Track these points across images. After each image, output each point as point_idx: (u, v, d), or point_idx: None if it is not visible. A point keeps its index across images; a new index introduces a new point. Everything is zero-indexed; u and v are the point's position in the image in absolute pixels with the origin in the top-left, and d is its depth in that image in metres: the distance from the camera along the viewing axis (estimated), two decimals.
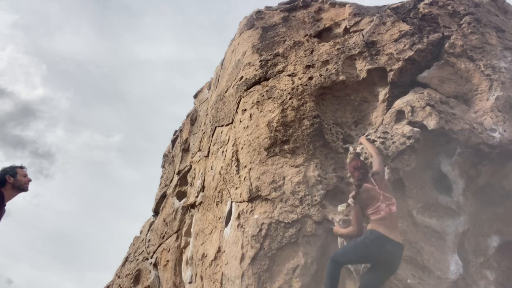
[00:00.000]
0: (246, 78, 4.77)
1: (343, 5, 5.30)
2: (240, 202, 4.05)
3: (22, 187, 3.78)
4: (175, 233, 5.68)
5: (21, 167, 3.85)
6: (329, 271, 3.33)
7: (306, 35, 5.01)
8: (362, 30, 4.77)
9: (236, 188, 4.17)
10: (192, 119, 6.63)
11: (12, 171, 3.80)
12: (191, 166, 6.00)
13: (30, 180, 3.84)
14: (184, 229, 5.52)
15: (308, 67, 4.59)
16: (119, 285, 6.67)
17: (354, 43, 4.64)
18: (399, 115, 4.10)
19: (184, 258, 5.41)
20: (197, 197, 5.29)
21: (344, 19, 5.05)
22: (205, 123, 5.93)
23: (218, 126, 5.10)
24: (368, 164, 3.86)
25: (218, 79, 6.04)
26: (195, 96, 7.25)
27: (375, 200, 3.38)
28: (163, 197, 6.67)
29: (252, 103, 4.47)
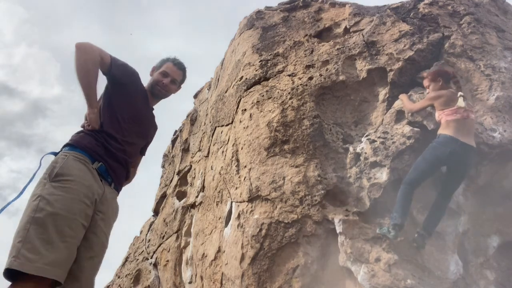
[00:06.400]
0: (246, 78, 4.77)
1: (343, 5, 5.30)
2: (240, 202, 4.05)
3: (153, 91, 2.81)
4: (175, 233, 5.68)
5: (170, 60, 2.86)
6: (401, 193, 3.50)
7: (306, 35, 5.01)
8: (362, 30, 4.77)
9: (236, 188, 4.17)
10: (192, 119, 6.63)
11: (159, 63, 2.87)
12: (191, 166, 6.00)
13: (166, 85, 2.79)
14: (184, 229, 5.52)
15: (308, 67, 4.59)
16: (119, 285, 6.67)
17: (354, 43, 4.64)
18: (399, 115, 4.10)
19: (184, 258, 5.41)
20: (197, 197, 5.29)
21: (344, 19, 5.05)
22: (205, 123, 5.93)
23: (218, 126, 5.10)
24: (368, 164, 3.87)
25: (218, 79, 6.04)
26: (195, 96, 7.25)
27: (455, 102, 3.63)
28: (163, 197, 6.67)
29: (252, 103, 4.47)
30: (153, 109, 2.89)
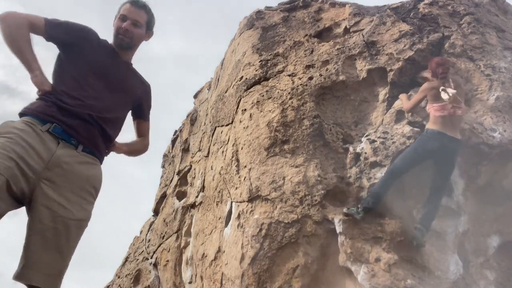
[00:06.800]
0: (246, 78, 4.77)
1: (343, 5, 5.30)
2: (240, 202, 4.05)
3: (117, 41, 2.43)
4: (175, 233, 5.68)
5: (127, 1, 2.44)
6: (383, 180, 3.62)
7: (306, 35, 5.01)
8: (362, 30, 4.77)
9: (236, 188, 4.17)
10: (192, 119, 6.63)
11: (117, 10, 2.47)
12: (191, 166, 6.00)
13: (126, 29, 2.39)
14: (184, 229, 5.52)
15: (308, 67, 4.59)
16: (119, 285, 6.67)
17: (354, 43, 4.64)
18: (399, 115, 4.10)
19: (184, 258, 5.41)
20: (197, 197, 5.29)
21: (344, 19, 5.05)
22: (205, 123, 5.93)
23: (218, 126, 5.10)
24: (368, 164, 3.87)
25: (218, 79, 6.04)
26: (195, 96, 7.25)
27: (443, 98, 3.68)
28: (163, 197, 6.67)
29: (252, 103, 4.47)
30: (130, 64, 2.56)
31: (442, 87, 3.72)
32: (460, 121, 3.78)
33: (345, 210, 3.62)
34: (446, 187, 3.74)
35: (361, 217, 3.52)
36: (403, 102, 4.07)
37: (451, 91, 3.67)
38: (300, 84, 4.41)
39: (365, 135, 4.11)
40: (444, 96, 3.66)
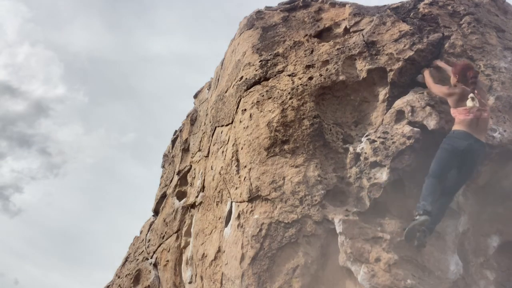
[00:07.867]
0: (246, 78, 4.77)
1: (343, 5, 5.29)
2: (240, 202, 4.05)
3: None
4: (175, 233, 5.68)
5: None
6: (426, 185, 3.60)
7: (306, 35, 5.01)
8: (362, 30, 4.77)
9: (236, 188, 4.18)
10: (192, 119, 6.64)
11: None
12: (191, 166, 6.01)
13: None
14: (184, 229, 5.53)
15: (308, 67, 4.59)
16: (119, 285, 6.68)
17: (354, 43, 4.64)
18: (399, 115, 4.10)
19: (184, 258, 5.41)
20: (197, 197, 5.30)
21: (344, 19, 5.05)
22: (205, 123, 5.94)
23: (218, 126, 5.11)
24: (368, 164, 3.87)
25: (218, 79, 6.04)
26: (195, 96, 7.25)
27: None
28: (163, 197, 6.67)
29: (252, 103, 4.47)
30: None
31: (471, 95, 3.68)
32: (486, 123, 3.73)
33: (412, 225, 3.49)
34: (458, 190, 3.71)
35: (424, 218, 3.44)
36: (426, 78, 4.09)
37: (477, 100, 3.66)
38: (300, 84, 4.41)
39: (365, 135, 4.11)
40: (469, 103, 3.63)
